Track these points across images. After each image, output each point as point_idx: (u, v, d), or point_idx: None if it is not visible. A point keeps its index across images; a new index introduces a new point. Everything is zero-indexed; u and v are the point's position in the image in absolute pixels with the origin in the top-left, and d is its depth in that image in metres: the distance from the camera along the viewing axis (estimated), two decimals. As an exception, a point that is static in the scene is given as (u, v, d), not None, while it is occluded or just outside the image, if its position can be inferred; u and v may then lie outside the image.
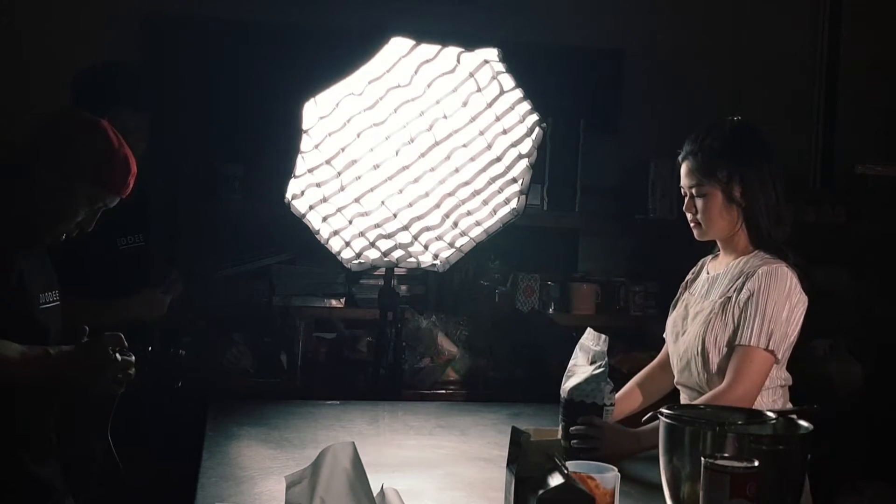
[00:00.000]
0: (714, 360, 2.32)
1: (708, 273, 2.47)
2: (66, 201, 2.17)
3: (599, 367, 2.32)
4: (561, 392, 2.38)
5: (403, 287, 3.83)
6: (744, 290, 2.29)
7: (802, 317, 2.32)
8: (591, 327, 2.45)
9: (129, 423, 2.32)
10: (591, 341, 2.40)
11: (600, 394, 2.31)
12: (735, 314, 2.30)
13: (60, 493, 2.24)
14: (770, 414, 1.94)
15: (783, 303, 2.27)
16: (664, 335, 2.56)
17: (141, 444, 2.76)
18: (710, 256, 2.52)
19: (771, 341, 2.26)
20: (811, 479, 2.06)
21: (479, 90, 2.80)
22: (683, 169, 2.39)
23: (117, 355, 2.12)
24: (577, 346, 2.44)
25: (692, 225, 2.41)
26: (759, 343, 2.25)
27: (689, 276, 2.56)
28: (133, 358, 2.16)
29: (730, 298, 2.32)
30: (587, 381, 2.32)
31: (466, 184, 2.89)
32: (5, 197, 2.16)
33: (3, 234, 2.13)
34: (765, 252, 2.34)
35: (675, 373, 2.46)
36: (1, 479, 2.13)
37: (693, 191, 2.37)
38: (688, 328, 2.41)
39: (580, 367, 2.38)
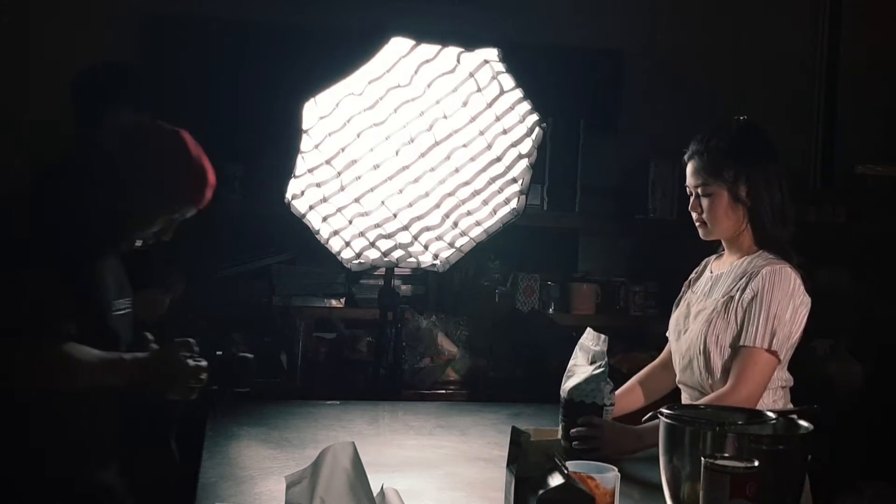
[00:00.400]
0: (716, 359, 2.31)
1: (711, 272, 2.47)
2: (144, 211, 2.20)
3: (599, 367, 2.32)
4: (561, 392, 2.38)
5: (403, 287, 3.83)
6: (747, 290, 2.29)
7: (805, 318, 2.32)
8: (590, 327, 2.45)
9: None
10: (590, 341, 2.40)
11: (600, 394, 2.31)
12: (738, 314, 2.29)
13: (121, 498, 2.24)
14: (770, 414, 1.93)
15: (787, 303, 2.27)
16: (667, 334, 2.57)
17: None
18: (714, 256, 2.51)
19: (774, 342, 2.25)
20: (811, 479, 2.06)
21: (479, 90, 2.80)
22: (689, 169, 2.39)
23: (189, 361, 2.13)
24: (577, 346, 2.44)
25: (698, 224, 2.41)
26: (762, 344, 2.25)
27: (692, 276, 2.56)
28: (205, 363, 2.17)
29: (732, 298, 2.31)
30: (587, 381, 2.32)
31: (466, 184, 2.89)
32: (84, 203, 2.17)
33: (80, 240, 2.14)
34: (768, 252, 2.34)
35: (678, 371, 2.45)
36: (63, 484, 2.12)
37: (699, 190, 2.37)
38: (690, 326, 2.41)
39: (580, 367, 2.38)
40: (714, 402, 2.20)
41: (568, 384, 2.36)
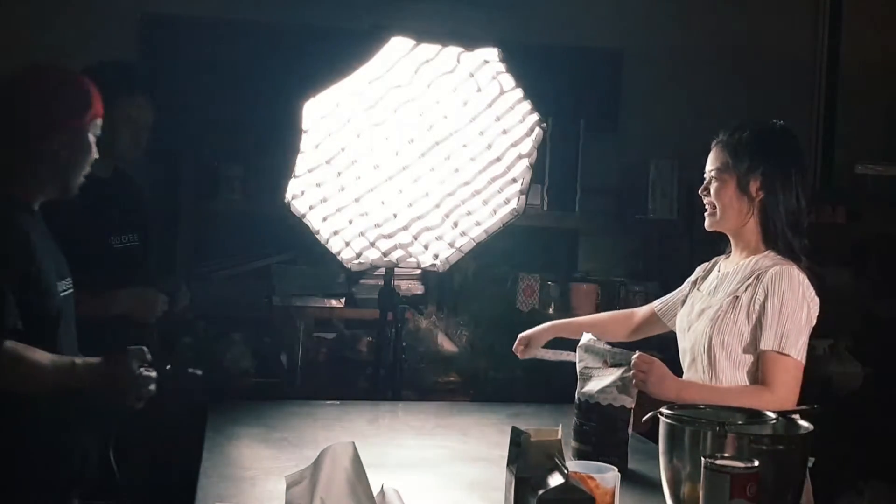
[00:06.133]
0: (721, 358, 2.30)
1: (719, 271, 2.46)
2: (81, 145, 2.18)
3: (628, 370, 2.29)
4: (580, 395, 2.33)
5: (403, 287, 3.83)
6: (758, 292, 2.27)
7: (816, 317, 2.32)
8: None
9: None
10: (594, 342, 2.39)
11: (629, 398, 2.28)
12: (747, 315, 2.28)
13: (66, 499, 2.23)
14: (770, 414, 1.93)
15: (801, 306, 2.26)
16: (656, 307, 2.66)
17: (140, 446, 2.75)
18: (723, 256, 2.50)
19: (797, 347, 2.24)
20: (811, 479, 2.06)
21: (479, 90, 2.81)
22: (711, 154, 2.42)
23: (141, 370, 2.12)
24: (581, 349, 2.41)
25: (706, 211, 2.42)
26: (789, 350, 2.22)
27: (699, 274, 2.54)
28: (154, 374, 2.15)
29: (738, 297, 2.30)
30: (612, 384, 2.28)
31: (466, 184, 2.90)
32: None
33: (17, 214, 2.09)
34: (776, 253, 2.34)
35: (684, 368, 2.45)
36: (16, 484, 2.11)
37: (712, 174, 2.39)
38: (693, 324, 2.40)
39: (596, 370, 2.34)
40: (748, 398, 2.17)
41: (591, 387, 2.31)
